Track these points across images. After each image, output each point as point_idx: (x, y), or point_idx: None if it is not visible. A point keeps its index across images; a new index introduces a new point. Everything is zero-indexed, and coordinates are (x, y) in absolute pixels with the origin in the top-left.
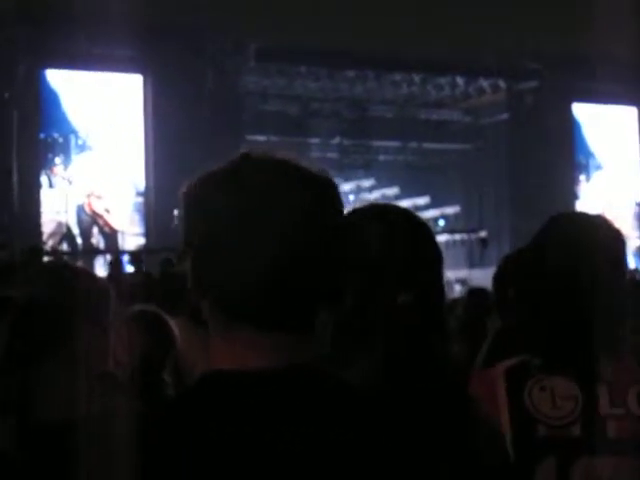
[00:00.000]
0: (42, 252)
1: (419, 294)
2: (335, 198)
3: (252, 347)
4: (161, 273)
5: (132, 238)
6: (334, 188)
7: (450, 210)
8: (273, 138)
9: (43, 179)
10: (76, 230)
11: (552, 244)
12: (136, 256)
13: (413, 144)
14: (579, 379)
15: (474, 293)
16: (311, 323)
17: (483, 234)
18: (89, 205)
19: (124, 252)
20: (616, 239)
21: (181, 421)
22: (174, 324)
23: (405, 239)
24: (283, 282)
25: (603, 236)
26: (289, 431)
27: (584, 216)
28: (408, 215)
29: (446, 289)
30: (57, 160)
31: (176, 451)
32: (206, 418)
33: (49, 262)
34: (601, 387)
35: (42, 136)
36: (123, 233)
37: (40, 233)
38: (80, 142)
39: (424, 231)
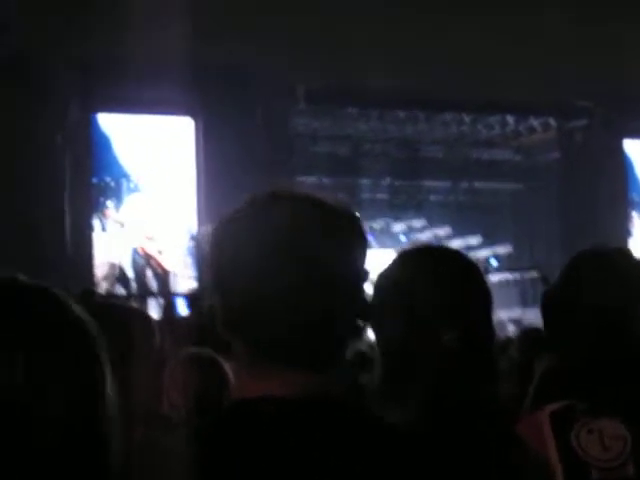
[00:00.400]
0: (94, 295)
1: (465, 333)
2: (359, 233)
3: (278, 382)
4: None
5: (185, 281)
6: (358, 223)
7: (502, 249)
8: (324, 179)
9: (95, 222)
10: (130, 273)
11: (586, 280)
12: (194, 299)
13: (464, 184)
14: (625, 419)
15: (527, 333)
16: (338, 360)
17: (535, 274)
18: (142, 248)
19: (177, 295)
20: None
21: (218, 447)
22: (228, 367)
23: (452, 278)
24: (310, 321)
25: (635, 270)
26: (320, 457)
27: (612, 250)
28: (456, 255)
29: (499, 329)
30: (109, 203)
31: (217, 476)
32: (241, 443)
33: (98, 301)
34: None
35: (94, 180)
36: (175, 275)
37: (93, 276)
38: (132, 185)
39: (472, 271)
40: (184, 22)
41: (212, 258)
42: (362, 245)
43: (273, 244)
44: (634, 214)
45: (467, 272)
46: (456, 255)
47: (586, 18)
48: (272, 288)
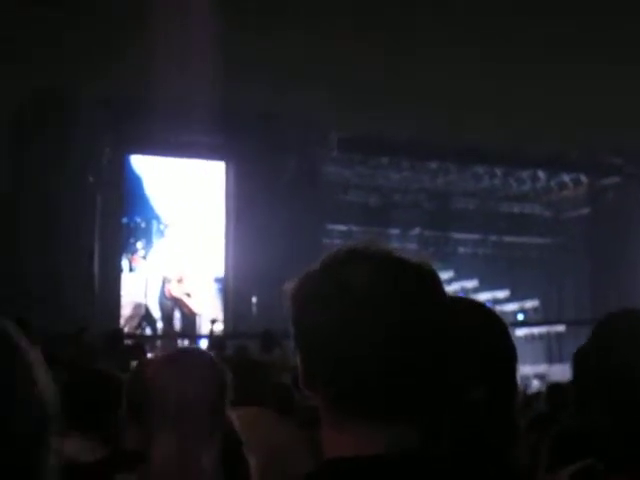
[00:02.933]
0: (124, 335)
1: (491, 391)
2: (438, 287)
3: (365, 438)
4: (237, 360)
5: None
6: (437, 277)
7: (529, 304)
8: (353, 228)
9: (124, 263)
10: (157, 314)
11: (612, 342)
12: (218, 341)
13: (493, 237)
14: None
15: (554, 388)
16: (425, 412)
17: (561, 329)
18: (169, 290)
19: (202, 336)
20: None
21: None
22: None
23: (481, 333)
24: (396, 376)
25: None
26: None
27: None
28: (485, 309)
29: (523, 384)
30: (139, 244)
31: None
32: None
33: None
34: None
35: (125, 220)
36: (200, 317)
37: (119, 316)
38: (162, 227)
39: (501, 326)
40: (220, 68)
41: (293, 314)
42: (441, 301)
43: (354, 302)
44: None
45: (496, 328)
46: (484, 309)
47: (623, 76)
48: (354, 345)
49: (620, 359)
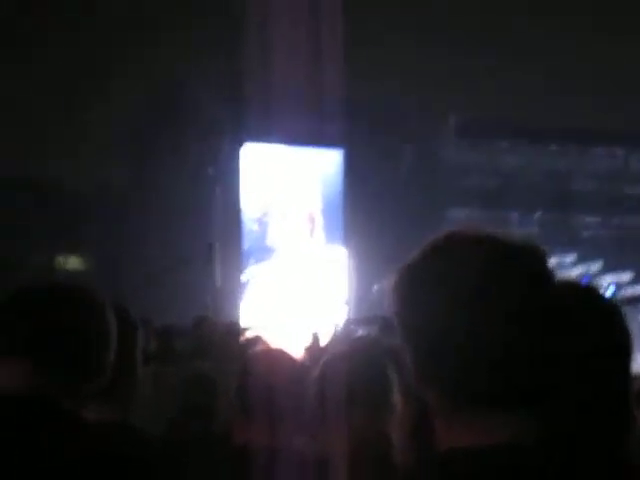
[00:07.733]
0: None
1: (598, 387)
2: (547, 270)
3: (483, 430)
4: None
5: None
6: (546, 258)
7: None
8: (473, 212)
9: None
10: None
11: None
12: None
13: (616, 219)
14: None
15: None
16: (538, 400)
17: None
18: None
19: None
20: None
21: None
22: None
23: (590, 319)
24: (516, 366)
25: None
26: None
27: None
28: (594, 294)
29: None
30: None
31: None
32: None
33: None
34: None
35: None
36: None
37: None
38: (278, 214)
39: (612, 312)
40: (335, 57)
41: (397, 308)
42: (548, 280)
43: (467, 289)
44: None
45: (606, 313)
46: (592, 293)
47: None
48: (466, 334)
49: None
